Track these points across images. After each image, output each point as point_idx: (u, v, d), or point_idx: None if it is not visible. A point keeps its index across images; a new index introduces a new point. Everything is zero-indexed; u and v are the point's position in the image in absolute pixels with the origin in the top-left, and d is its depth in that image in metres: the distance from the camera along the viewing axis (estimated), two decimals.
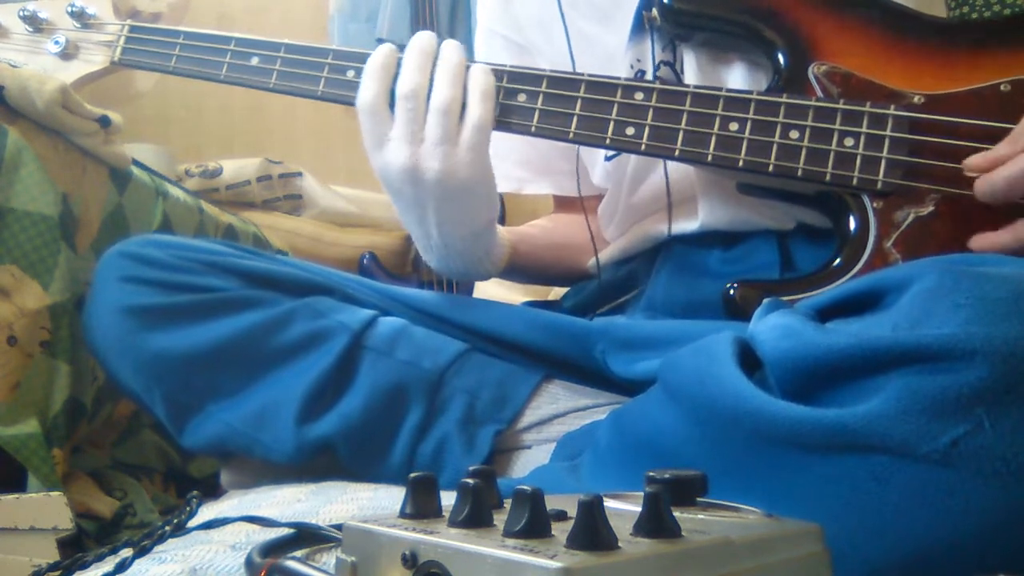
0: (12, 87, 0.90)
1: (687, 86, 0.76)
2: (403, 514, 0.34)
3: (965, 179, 0.67)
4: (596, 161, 0.91)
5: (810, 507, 0.43)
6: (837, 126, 0.71)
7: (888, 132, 0.70)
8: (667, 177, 0.81)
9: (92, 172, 1.01)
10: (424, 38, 0.77)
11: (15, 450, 0.84)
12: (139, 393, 0.81)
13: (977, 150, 0.68)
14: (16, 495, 0.80)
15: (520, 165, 0.99)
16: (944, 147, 0.69)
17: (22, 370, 0.87)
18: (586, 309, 0.92)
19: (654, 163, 0.84)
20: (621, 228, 0.91)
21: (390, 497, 0.66)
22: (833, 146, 0.71)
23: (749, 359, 0.50)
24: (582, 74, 0.77)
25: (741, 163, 0.72)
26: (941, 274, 0.45)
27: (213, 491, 0.87)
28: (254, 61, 0.83)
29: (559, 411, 0.77)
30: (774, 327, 0.50)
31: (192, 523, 0.52)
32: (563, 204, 1.03)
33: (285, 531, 0.46)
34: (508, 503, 0.31)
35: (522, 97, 0.77)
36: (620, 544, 0.29)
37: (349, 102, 0.79)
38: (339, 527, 0.43)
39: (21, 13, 0.91)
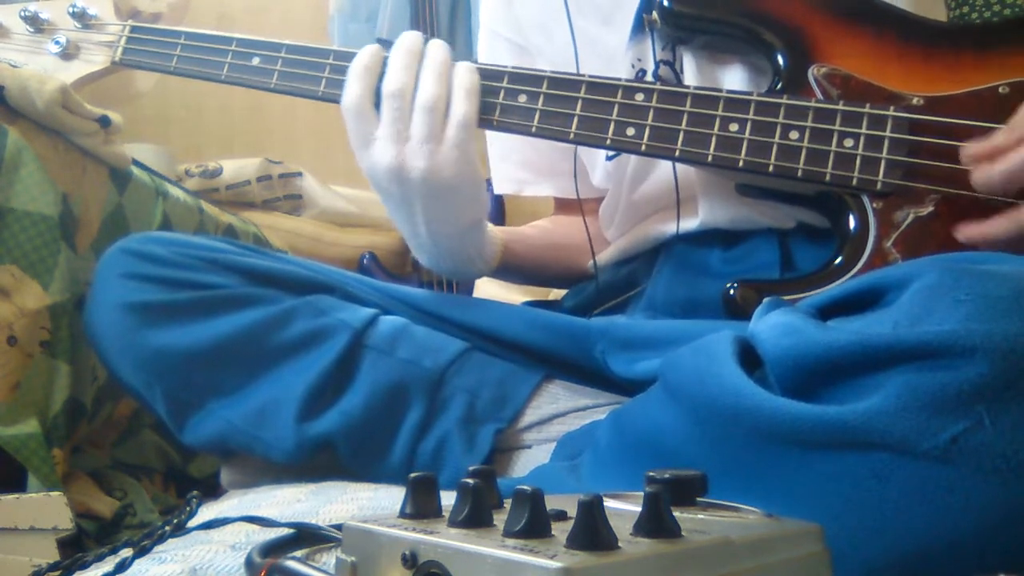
0: (12, 87, 0.90)
1: (687, 87, 0.76)
2: (403, 514, 0.34)
3: (964, 179, 0.67)
4: (596, 163, 0.91)
5: (810, 505, 0.43)
6: (837, 127, 0.71)
7: (887, 133, 0.70)
8: (676, 176, 0.81)
9: (92, 172, 1.01)
10: (410, 38, 0.78)
11: (15, 450, 0.84)
12: (140, 390, 0.81)
13: None
14: (16, 495, 0.80)
15: (521, 167, 0.99)
16: (943, 148, 0.69)
17: (22, 370, 0.87)
18: (586, 310, 0.92)
19: (654, 162, 0.84)
20: (622, 228, 0.91)
21: (390, 497, 0.66)
22: (833, 147, 0.71)
23: (749, 358, 0.50)
24: (583, 75, 0.77)
25: (741, 163, 0.73)
26: (942, 272, 0.45)
27: (213, 491, 0.87)
28: (255, 61, 0.84)
29: (559, 411, 0.77)
30: (775, 325, 0.50)
31: (192, 523, 0.52)
32: (563, 206, 1.03)
33: (285, 531, 0.46)
34: (508, 503, 0.31)
35: (523, 98, 0.78)
36: (620, 544, 0.29)
37: None
38: (339, 527, 0.43)
39: (22, 14, 0.91)
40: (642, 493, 0.32)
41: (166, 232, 1.07)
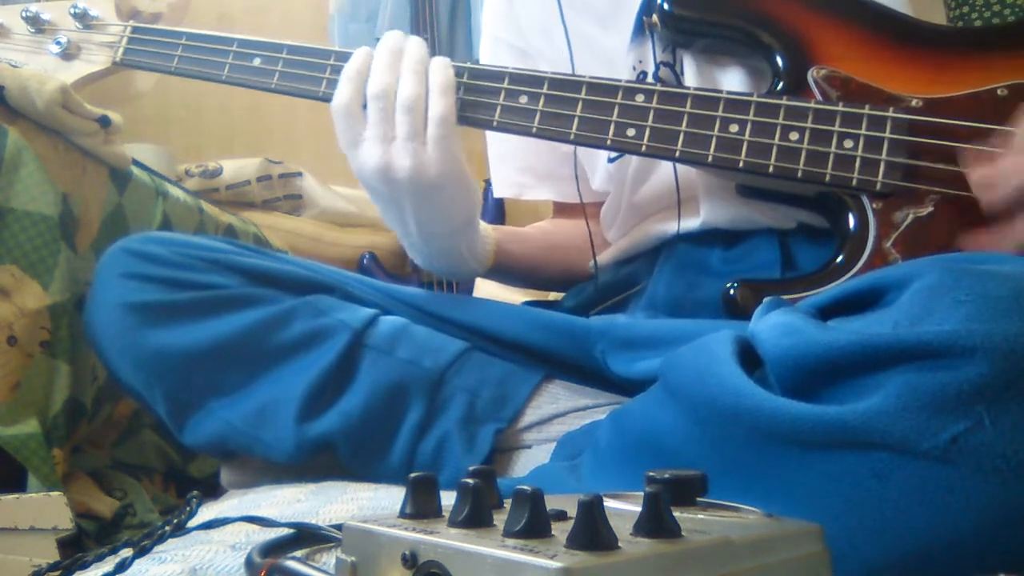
0: (12, 87, 0.90)
1: (688, 88, 0.76)
2: (403, 514, 0.34)
3: (963, 180, 0.68)
4: (597, 166, 0.91)
5: (811, 504, 0.43)
6: (836, 128, 0.71)
7: (887, 134, 0.71)
8: (676, 176, 0.81)
9: (92, 172, 1.01)
10: (392, 37, 0.78)
11: (15, 450, 0.84)
12: (140, 390, 0.81)
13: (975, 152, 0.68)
14: (16, 495, 0.80)
15: (521, 170, 0.99)
16: (942, 149, 0.69)
17: (22, 370, 0.87)
18: (586, 310, 0.92)
19: (656, 163, 0.84)
20: (623, 229, 0.91)
21: (390, 497, 0.66)
22: (832, 148, 0.71)
23: (749, 358, 0.50)
24: (583, 76, 0.77)
25: (741, 164, 0.73)
26: (942, 272, 0.45)
27: (213, 491, 0.87)
28: (256, 62, 0.84)
29: (559, 411, 0.77)
30: (775, 325, 0.50)
31: (192, 523, 0.52)
32: (562, 210, 1.03)
33: (285, 531, 0.46)
34: (508, 503, 0.31)
35: (524, 99, 0.78)
36: (620, 544, 0.29)
37: None
38: (339, 527, 0.43)
39: (24, 14, 0.91)
40: (642, 493, 0.31)
41: (166, 232, 1.07)
